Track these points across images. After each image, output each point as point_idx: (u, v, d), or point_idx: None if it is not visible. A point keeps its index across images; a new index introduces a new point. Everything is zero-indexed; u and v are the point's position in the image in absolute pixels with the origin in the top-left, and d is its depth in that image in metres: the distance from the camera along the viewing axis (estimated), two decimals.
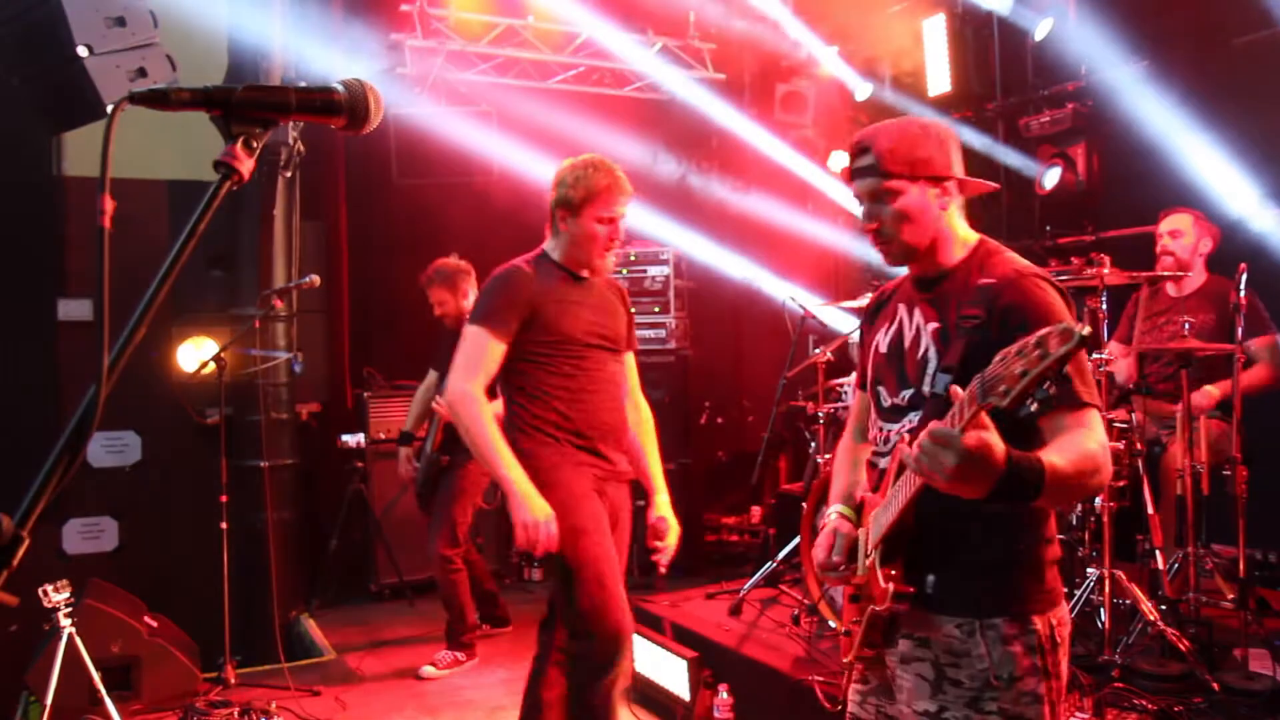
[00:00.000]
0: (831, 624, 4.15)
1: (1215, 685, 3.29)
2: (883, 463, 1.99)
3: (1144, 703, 3.19)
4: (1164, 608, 3.62)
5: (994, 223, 6.34)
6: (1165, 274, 4.29)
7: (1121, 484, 3.82)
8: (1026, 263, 1.92)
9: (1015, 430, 1.60)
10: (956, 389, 1.56)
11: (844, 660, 2.03)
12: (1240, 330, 3.71)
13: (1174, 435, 4.06)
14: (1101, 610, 3.62)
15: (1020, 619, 1.81)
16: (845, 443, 2.28)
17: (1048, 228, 5.89)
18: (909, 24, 6.62)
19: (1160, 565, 3.75)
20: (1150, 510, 3.79)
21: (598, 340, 3.00)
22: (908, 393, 1.94)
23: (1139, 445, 3.85)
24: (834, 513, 2.07)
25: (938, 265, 1.96)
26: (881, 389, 2.02)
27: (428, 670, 4.67)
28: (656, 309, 6.39)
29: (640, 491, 3.19)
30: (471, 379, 2.87)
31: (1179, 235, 4.37)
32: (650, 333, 6.33)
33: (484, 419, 2.83)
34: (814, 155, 7.16)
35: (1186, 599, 3.67)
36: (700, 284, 6.74)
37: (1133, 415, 3.96)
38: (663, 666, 4.11)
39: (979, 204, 6.42)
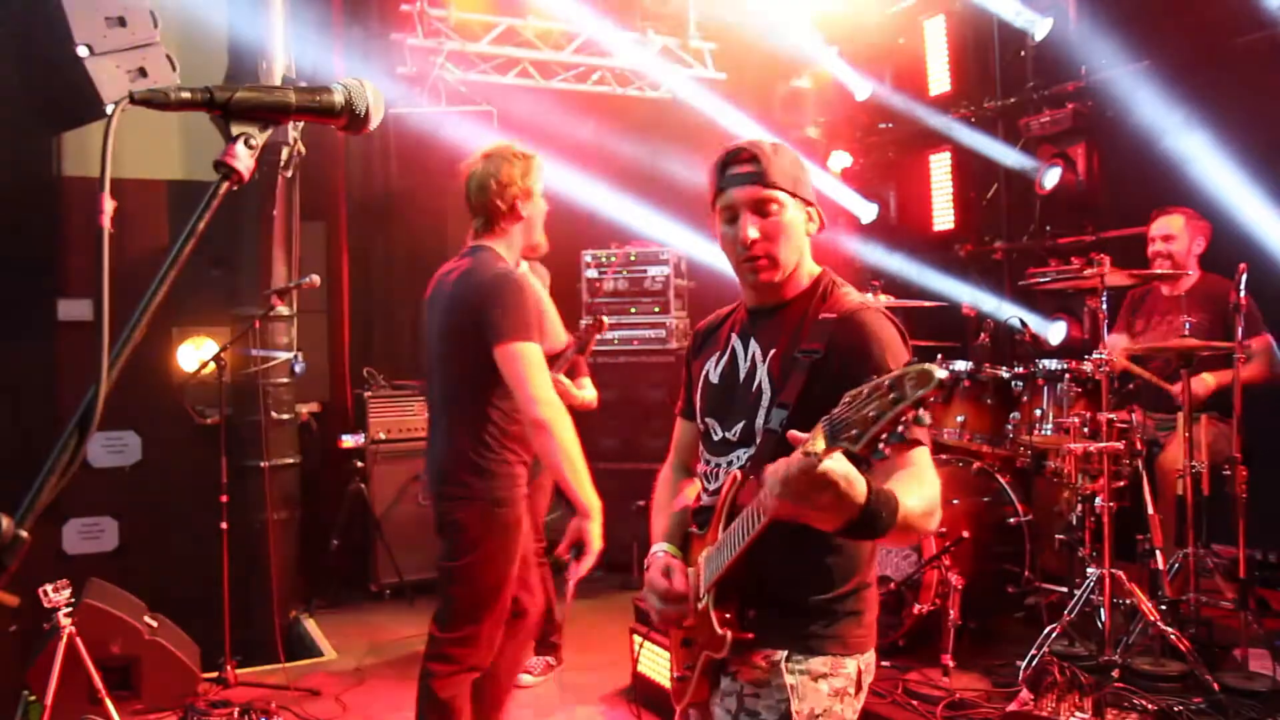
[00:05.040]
0: None
1: (1215, 685, 3.29)
2: (709, 500, 1.92)
3: (1144, 703, 3.19)
4: (1164, 608, 3.62)
5: (994, 223, 6.34)
6: (1162, 272, 4.29)
7: (1121, 484, 3.82)
8: (868, 297, 1.89)
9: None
10: (796, 434, 1.46)
11: (676, 707, 1.97)
12: (1240, 330, 3.71)
13: (1173, 435, 4.06)
14: (1101, 610, 3.61)
15: (833, 659, 1.78)
16: (666, 475, 2.17)
17: (1048, 228, 5.89)
18: (909, 24, 6.62)
19: (1160, 565, 3.74)
20: (1150, 510, 3.79)
21: None
22: (739, 426, 1.86)
23: (1139, 445, 3.84)
24: (660, 551, 1.95)
25: (780, 295, 1.90)
26: (712, 421, 1.94)
27: (525, 679, 4.45)
28: (656, 309, 6.38)
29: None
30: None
31: (1172, 239, 4.38)
32: (650, 332, 6.33)
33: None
34: (814, 155, 7.15)
35: (1186, 599, 3.67)
36: (700, 284, 6.74)
37: (1133, 415, 3.96)
38: (663, 666, 4.10)
39: (980, 204, 6.43)
